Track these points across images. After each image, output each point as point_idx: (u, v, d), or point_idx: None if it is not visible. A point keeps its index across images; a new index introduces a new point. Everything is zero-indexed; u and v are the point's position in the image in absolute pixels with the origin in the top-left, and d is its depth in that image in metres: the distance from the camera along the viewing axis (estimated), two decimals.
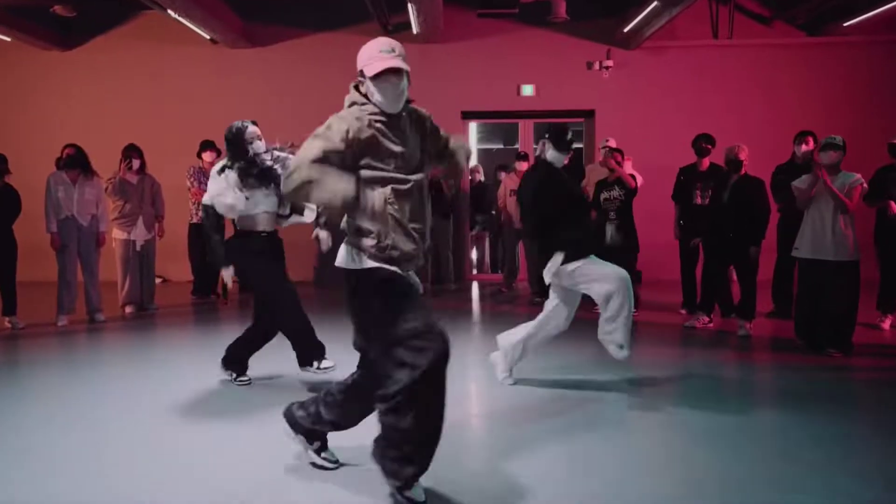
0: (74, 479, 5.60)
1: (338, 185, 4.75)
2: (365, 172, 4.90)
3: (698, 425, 6.87)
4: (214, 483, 5.49)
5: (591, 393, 7.99)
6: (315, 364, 7.94)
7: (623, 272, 7.87)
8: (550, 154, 8.12)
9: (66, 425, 6.90)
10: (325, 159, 4.83)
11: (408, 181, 4.98)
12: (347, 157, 4.88)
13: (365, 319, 5.01)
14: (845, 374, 8.82)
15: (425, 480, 5.05)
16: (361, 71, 5.15)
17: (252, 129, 8.27)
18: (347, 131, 4.85)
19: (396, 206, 4.88)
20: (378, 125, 4.95)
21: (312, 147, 4.83)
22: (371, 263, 4.92)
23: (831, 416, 7.06)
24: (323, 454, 5.65)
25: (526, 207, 8.38)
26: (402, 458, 4.81)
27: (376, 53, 5.04)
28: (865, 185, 9.54)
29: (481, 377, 8.41)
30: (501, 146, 25.54)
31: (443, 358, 4.74)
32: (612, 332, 7.83)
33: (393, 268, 4.92)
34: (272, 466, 5.80)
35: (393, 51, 5.03)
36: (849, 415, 7.28)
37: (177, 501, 5.19)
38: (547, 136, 8.32)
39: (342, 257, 5.07)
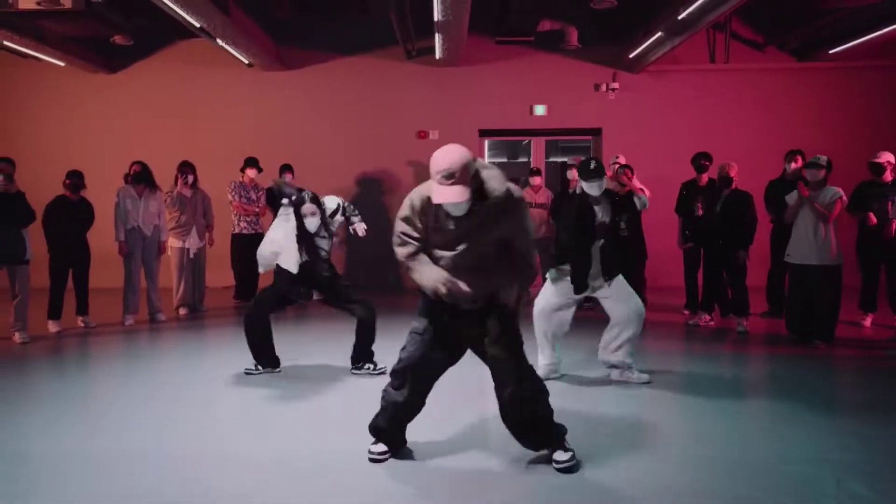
0: (132, 438, 6.82)
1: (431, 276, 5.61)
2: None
3: (703, 405, 7.99)
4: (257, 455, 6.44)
5: (603, 383, 8.89)
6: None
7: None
8: (583, 185, 8.52)
9: (130, 404, 8.04)
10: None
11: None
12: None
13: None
14: (829, 361, 10.04)
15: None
16: None
17: (308, 205, 9.01)
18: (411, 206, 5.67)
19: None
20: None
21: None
22: None
23: (817, 394, 8.32)
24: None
25: (564, 230, 8.85)
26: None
27: (436, 177, 5.27)
28: (845, 198, 10.67)
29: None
30: (506, 160, 26.51)
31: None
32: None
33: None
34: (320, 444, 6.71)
35: (451, 177, 5.20)
36: (832, 393, 8.62)
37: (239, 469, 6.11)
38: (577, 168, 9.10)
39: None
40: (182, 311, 14.18)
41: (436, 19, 14.09)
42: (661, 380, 8.93)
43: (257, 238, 14.22)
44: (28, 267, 11.52)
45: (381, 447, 6.22)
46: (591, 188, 8.47)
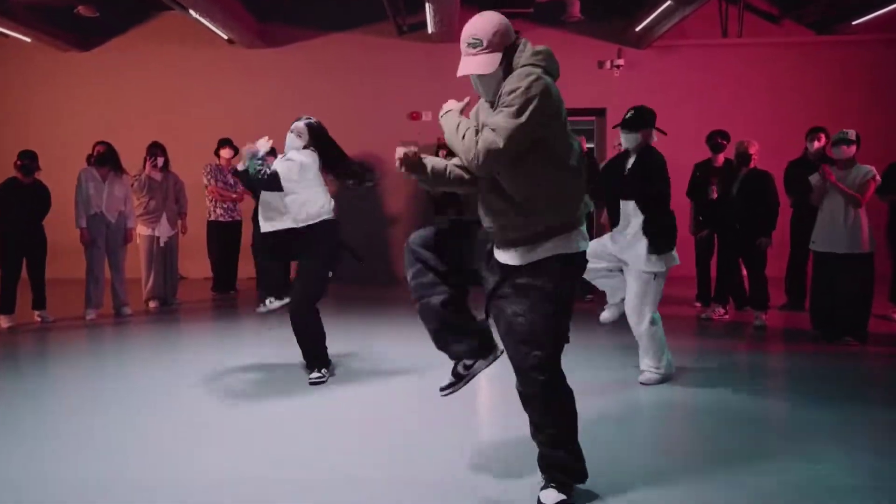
0: (97, 460, 5.89)
1: None
2: None
3: (716, 411, 7.16)
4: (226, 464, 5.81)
5: (609, 380, 8.30)
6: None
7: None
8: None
9: (94, 412, 7.23)
10: None
11: None
12: None
13: None
14: (862, 360, 9.11)
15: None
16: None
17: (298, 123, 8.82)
18: None
19: None
20: None
21: None
22: None
23: (847, 399, 7.41)
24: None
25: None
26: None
27: (462, 48, 4.69)
28: (878, 178, 9.77)
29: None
30: None
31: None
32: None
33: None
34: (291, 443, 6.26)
35: (477, 45, 4.59)
36: (865, 397, 7.62)
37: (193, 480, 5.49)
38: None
39: None
40: (152, 305, 13.52)
41: None
42: (671, 381, 8.20)
43: (234, 226, 14.43)
44: None
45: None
46: (625, 140, 8.51)
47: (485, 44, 4.52)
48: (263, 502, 5.19)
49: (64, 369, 9.22)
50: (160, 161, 13.27)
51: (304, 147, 8.47)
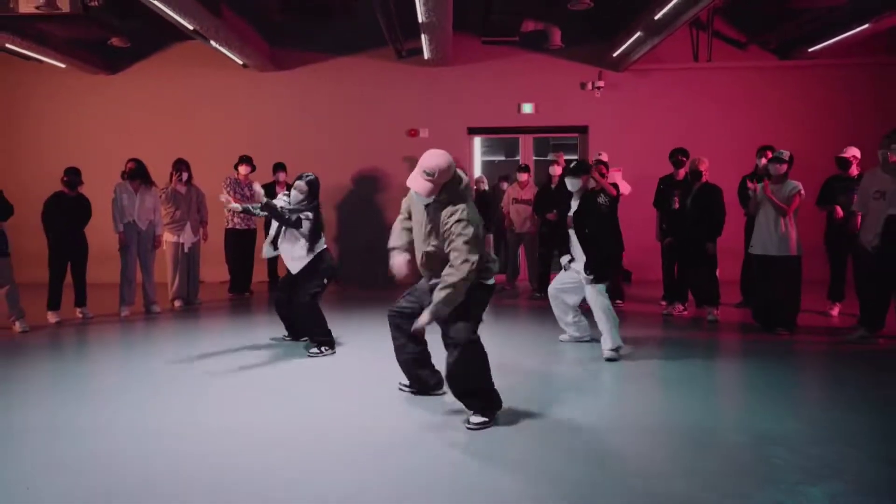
0: (127, 420, 7.09)
1: None
2: None
3: (673, 379, 8.66)
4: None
5: (579, 363, 9.54)
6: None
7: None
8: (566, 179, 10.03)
9: (125, 389, 8.32)
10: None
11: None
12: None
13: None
14: (788, 347, 10.40)
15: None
16: None
17: (299, 182, 9.99)
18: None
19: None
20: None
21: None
22: None
23: (774, 375, 8.82)
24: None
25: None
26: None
27: (418, 170, 6.51)
28: (803, 192, 10.98)
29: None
30: (503, 158, 26.56)
31: None
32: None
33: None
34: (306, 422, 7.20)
35: (431, 175, 6.42)
36: (788, 373, 9.00)
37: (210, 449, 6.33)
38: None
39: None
40: (177, 304, 14.44)
41: (420, 20, 14.39)
42: (633, 364, 9.50)
43: (250, 233, 15.17)
44: (9, 259, 11.80)
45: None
46: (568, 184, 9.95)
47: (435, 177, 6.42)
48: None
49: (102, 356, 10.23)
50: (185, 175, 14.22)
51: (302, 201, 9.97)
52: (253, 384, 8.50)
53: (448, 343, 6.75)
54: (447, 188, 6.53)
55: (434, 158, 6.44)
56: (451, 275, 6.36)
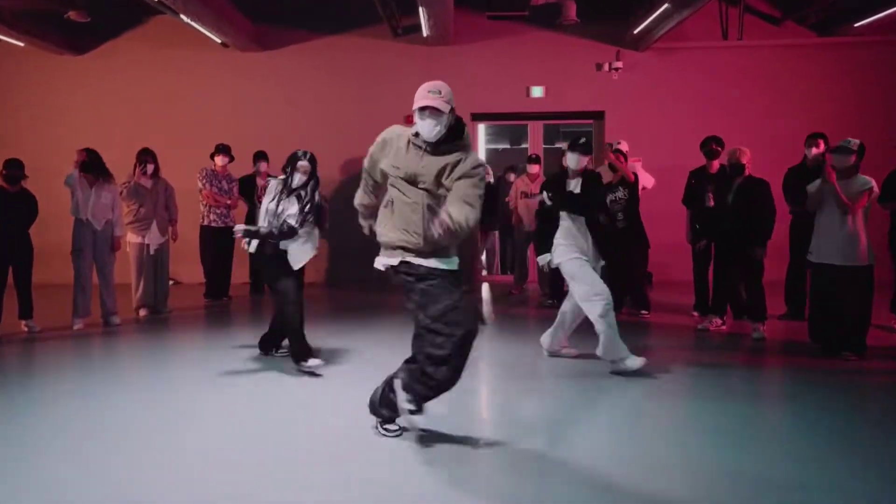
0: (80, 475, 5.74)
1: None
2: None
3: (710, 425, 6.96)
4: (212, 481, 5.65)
5: (603, 392, 8.18)
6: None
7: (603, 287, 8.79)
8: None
9: (81, 429, 6.96)
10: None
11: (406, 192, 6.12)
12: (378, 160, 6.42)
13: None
14: (860, 376, 8.82)
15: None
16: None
17: (301, 163, 9.08)
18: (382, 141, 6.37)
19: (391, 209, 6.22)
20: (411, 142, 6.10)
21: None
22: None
23: (846, 416, 7.17)
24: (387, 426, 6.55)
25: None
26: (424, 395, 6.16)
27: (424, 93, 5.89)
28: (876, 189, 9.54)
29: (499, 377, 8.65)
30: (508, 146, 25.63)
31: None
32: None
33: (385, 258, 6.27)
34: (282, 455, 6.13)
35: (439, 92, 5.87)
36: (863, 415, 7.40)
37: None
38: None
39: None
40: (142, 313, 13.30)
41: None
42: (662, 392, 8.18)
43: (228, 231, 13.74)
44: None
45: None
46: (571, 161, 9.11)
47: (442, 94, 5.88)
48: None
49: (50, 381, 8.94)
50: (150, 168, 13.11)
51: (308, 182, 9.13)
52: (234, 422, 7.17)
53: None
54: (454, 133, 6.05)
55: (437, 82, 6.01)
56: (459, 217, 5.81)
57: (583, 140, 9.05)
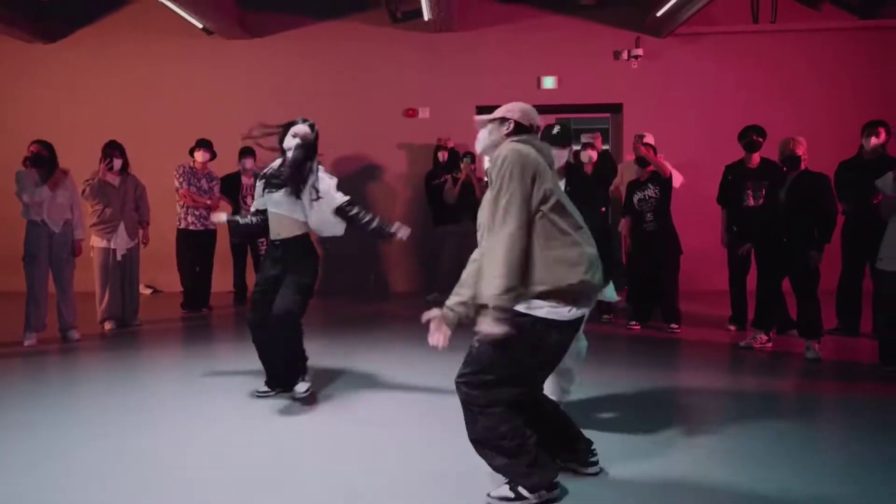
0: None
1: None
2: None
3: (754, 478, 5.62)
4: None
5: (628, 417, 7.28)
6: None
7: None
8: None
9: (28, 458, 6.25)
10: None
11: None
12: None
13: None
14: None
15: None
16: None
17: (300, 126, 8.22)
18: None
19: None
20: None
21: None
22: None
23: None
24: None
25: None
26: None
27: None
28: None
29: None
30: None
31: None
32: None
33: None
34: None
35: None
36: None
37: None
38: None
39: None
40: (108, 326, 12.30)
41: None
42: (694, 422, 7.22)
43: (207, 235, 13.79)
44: None
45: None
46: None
47: None
48: None
49: None
50: (117, 163, 12.17)
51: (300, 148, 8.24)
52: (215, 467, 6.15)
53: None
54: None
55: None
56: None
57: (557, 130, 7.55)
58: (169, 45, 17.20)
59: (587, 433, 6.05)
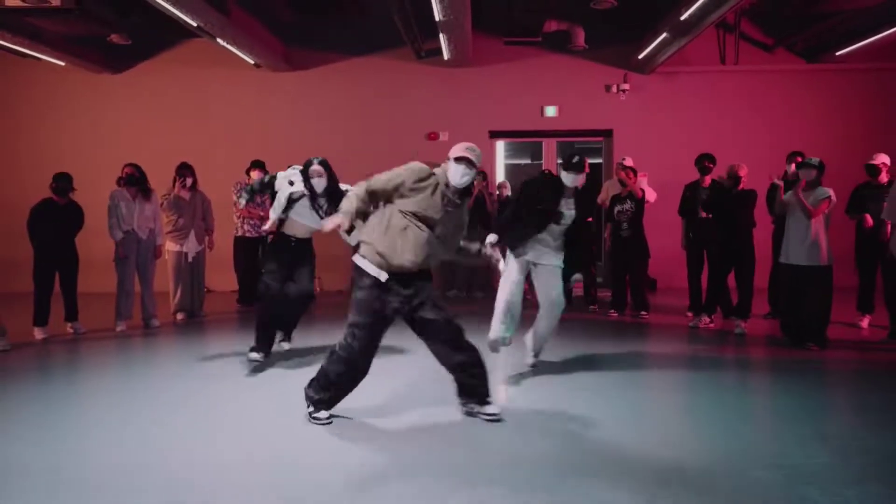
0: (122, 457, 6.28)
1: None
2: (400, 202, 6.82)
3: (693, 403, 8.30)
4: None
5: (606, 380, 9.02)
6: (257, 353, 9.79)
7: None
8: (562, 174, 9.12)
9: (122, 419, 7.46)
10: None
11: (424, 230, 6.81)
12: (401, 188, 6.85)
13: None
14: (818, 364, 9.85)
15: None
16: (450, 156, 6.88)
17: (315, 167, 9.68)
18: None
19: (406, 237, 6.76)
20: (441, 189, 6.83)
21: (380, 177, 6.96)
22: (361, 262, 6.87)
23: (797, 398, 8.14)
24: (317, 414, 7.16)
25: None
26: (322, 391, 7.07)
27: (462, 148, 6.84)
28: (834, 198, 10.52)
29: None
30: (529, 161, 26.16)
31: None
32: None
33: (374, 270, 6.79)
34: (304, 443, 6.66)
35: (474, 151, 6.86)
36: (818, 395, 8.45)
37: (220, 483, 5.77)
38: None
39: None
40: (179, 317, 13.83)
41: (437, 19, 14.04)
42: (652, 386, 9.09)
43: (260, 241, 14.70)
44: None
45: (325, 414, 7.15)
46: (567, 179, 9.04)
47: (476, 154, 6.91)
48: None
49: (92, 381, 9.38)
50: (189, 181, 13.58)
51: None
52: (268, 413, 7.70)
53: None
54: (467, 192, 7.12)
55: (473, 145, 6.98)
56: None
57: (576, 159, 8.96)
58: (222, 76, 18.55)
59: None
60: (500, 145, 19.61)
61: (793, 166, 12.57)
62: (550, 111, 18.53)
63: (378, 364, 7.33)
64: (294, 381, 8.50)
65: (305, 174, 9.64)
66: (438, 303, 7.07)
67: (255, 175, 14.57)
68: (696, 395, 8.57)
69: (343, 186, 9.58)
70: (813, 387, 8.76)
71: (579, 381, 8.97)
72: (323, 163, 9.70)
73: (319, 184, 9.63)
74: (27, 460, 6.25)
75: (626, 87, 18.18)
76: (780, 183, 11.86)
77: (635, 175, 13.55)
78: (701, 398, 8.34)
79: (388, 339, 7.20)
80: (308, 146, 17.11)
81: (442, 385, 7.64)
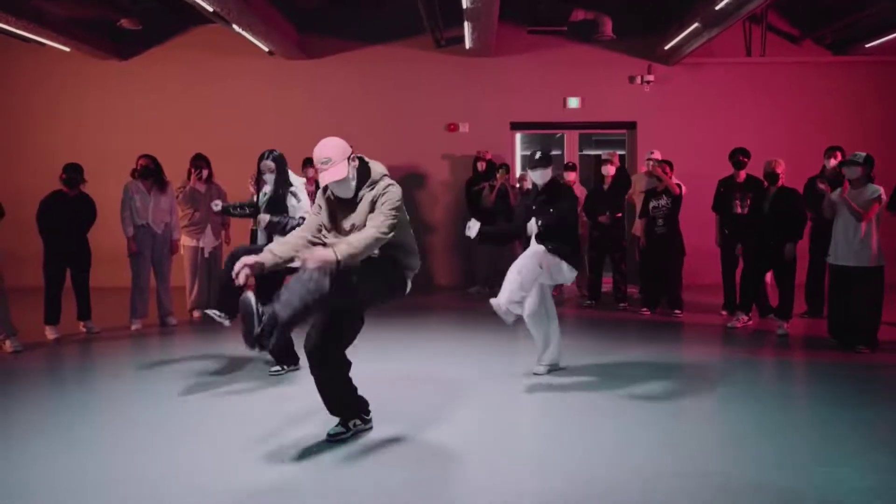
0: (144, 463, 6.12)
1: None
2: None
3: (732, 413, 7.66)
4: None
5: (636, 385, 8.56)
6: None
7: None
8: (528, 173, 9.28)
9: (137, 421, 7.36)
10: None
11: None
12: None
13: None
14: (870, 369, 9.45)
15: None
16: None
17: (266, 162, 9.41)
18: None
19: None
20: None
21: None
22: None
23: (860, 403, 7.80)
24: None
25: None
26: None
27: (318, 167, 6.20)
28: (885, 197, 10.20)
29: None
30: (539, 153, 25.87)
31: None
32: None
33: None
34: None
35: (328, 161, 6.16)
36: (869, 404, 7.92)
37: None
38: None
39: None
40: (196, 314, 13.44)
41: (464, 6, 13.74)
42: (692, 384, 8.80)
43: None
44: None
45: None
46: (535, 176, 9.06)
47: (333, 158, 6.17)
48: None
49: (109, 380, 9.23)
50: (205, 173, 13.22)
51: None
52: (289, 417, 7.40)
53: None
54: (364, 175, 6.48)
55: (323, 145, 6.32)
56: (372, 228, 6.12)
57: (538, 156, 8.99)
58: (234, 63, 18.18)
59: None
60: (518, 138, 19.30)
61: (831, 161, 12.29)
62: (573, 102, 18.20)
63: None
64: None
65: (258, 167, 9.42)
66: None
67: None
68: (732, 403, 8.06)
69: (294, 179, 9.56)
70: (862, 394, 8.39)
71: (611, 384, 8.61)
72: (277, 158, 9.46)
73: (269, 180, 9.41)
74: (52, 482, 5.82)
75: (651, 78, 17.92)
76: (827, 188, 11.42)
77: (671, 169, 13.31)
78: (737, 408, 7.86)
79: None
80: (321, 136, 16.82)
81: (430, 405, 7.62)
